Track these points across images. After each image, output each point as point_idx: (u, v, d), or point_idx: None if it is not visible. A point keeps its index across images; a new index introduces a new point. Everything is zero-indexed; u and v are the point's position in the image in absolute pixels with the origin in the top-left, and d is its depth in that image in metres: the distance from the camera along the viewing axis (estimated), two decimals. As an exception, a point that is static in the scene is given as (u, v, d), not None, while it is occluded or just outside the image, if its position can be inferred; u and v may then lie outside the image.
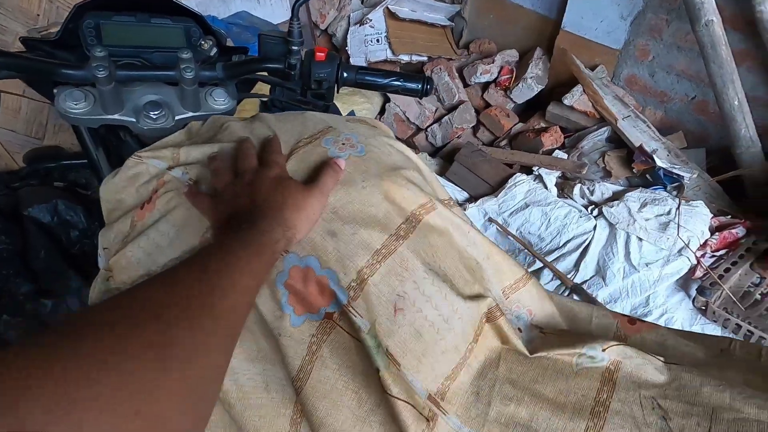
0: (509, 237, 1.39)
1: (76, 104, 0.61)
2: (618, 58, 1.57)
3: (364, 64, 2.11)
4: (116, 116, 0.63)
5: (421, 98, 0.74)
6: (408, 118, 1.87)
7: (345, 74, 0.66)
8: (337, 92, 0.70)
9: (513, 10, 1.90)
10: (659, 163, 1.33)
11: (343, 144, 0.47)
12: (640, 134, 1.44)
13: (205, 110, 0.67)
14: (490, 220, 1.42)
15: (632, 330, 0.53)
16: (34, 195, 1.55)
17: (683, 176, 1.31)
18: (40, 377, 0.19)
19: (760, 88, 1.28)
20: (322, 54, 0.64)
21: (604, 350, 0.48)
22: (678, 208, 1.24)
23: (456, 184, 1.54)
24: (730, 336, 1.13)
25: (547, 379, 0.46)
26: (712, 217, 1.26)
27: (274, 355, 0.41)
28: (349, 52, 2.10)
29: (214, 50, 0.68)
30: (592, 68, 1.63)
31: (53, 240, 1.50)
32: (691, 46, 1.35)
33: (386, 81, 0.67)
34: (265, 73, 0.72)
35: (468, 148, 1.58)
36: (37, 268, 1.46)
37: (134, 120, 0.64)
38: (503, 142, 1.75)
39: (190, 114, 0.67)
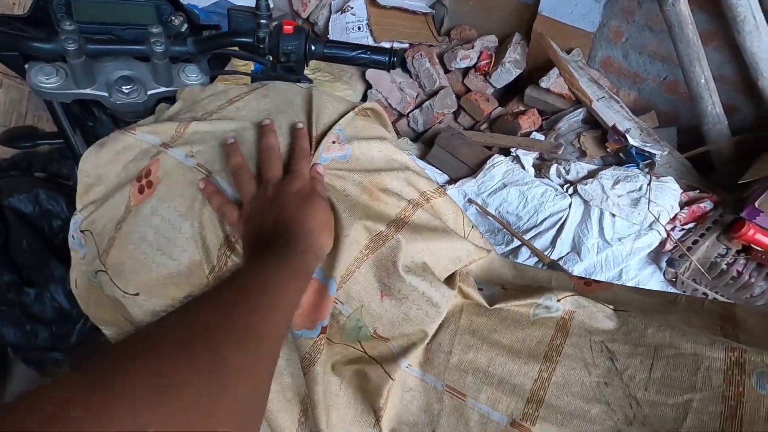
0: (489, 217, 1.43)
1: (47, 79, 0.62)
2: (593, 41, 1.61)
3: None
4: (88, 90, 0.65)
5: (389, 71, 0.76)
6: (390, 104, 1.89)
7: (313, 47, 0.68)
8: (306, 65, 0.72)
9: (493, -4, 1.92)
10: (632, 141, 1.37)
11: (333, 143, 0.46)
12: (614, 115, 1.47)
13: (177, 85, 0.68)
14: (470, 201, 1.45)
15: (588, 290, 0.56)
16: (15, 185, 1.55)
17: (655, 154, 1.35)
18: (90, 408, 0.18)
19: (726, 67, 1.32)
20: (290, 27, 0.66)
21: (558, 300, 0.51)
22: (649, 184, 1.28)
23: (436, 167, 1.57)
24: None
25: (505, 328, 0.49)
26: (682, 192, 1.31)
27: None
28: (330, 39, 2.10)
29: (185, 26, 0.70)
30: (568, 51, 1.67)
31: (35, 230, 1.50)
32: (661, 27, 1.39)
33: (353, 54, 0.69)
34: (237, 48, 0.73)
35: (448, 132, 1.60)
36: (19, 258, 1.46)
37: (106, 94, 0.65)
38: (483, 126, 1.78)
39: (163, 89, 0.68)
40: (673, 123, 1.51)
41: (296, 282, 0.34)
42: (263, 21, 0.65)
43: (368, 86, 1.94)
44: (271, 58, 0.69)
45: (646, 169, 1.35)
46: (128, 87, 0.66)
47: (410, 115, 1.86)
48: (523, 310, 0.50)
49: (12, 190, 1.54)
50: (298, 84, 0.55)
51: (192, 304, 0.28)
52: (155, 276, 0.41)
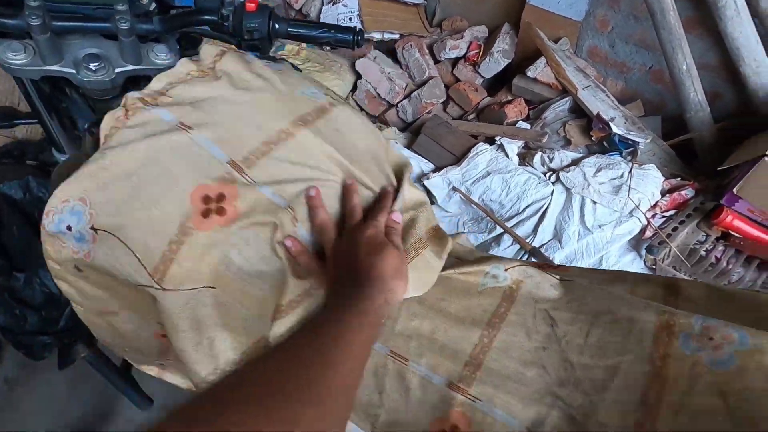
0: (472, 205, 1.43)
1: (15, 55, 0.64)
2: (580, 30, 1.60)
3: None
4: (55, 67, 0.66)
5: (353, 49, 0.77)
6: (379, 95, 1.90)
7: (277, 26, 0.69)
8: (271, 44, 0.73)
9: (482, -14, 1.92)
10: (615, 129, 1.37)
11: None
12: (599, 103, 1.47)
13: (146, 64, 0.70)
14: (454, 189, 1.46)
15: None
16: (5, 172, 1.57)
17: (638, 142, 1.35)
18: None
19: (709, 54, 1.31)
20: (253, 5, 0.67)
21: (506, 270, 0.52)
22: (630, 171, 1.28)
23: (422, 156, 1.57)
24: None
25: (453, 297, 0.50)
26: (664, 180, 1.31)
27: None
28: (321, 31, 2.11)
29: (153, 5, 0.71)
30: (556, 41, 1.67)
31: (25, 216, 1.52)
32: (646, 16, 1.38)
33: (316, 32, 0.70)
34: (207, 28, 0.74)
35: (434, 121, 1.61)
36: (9, 244, 1.48)
37: (74, 71, 0.67)
38: (471, 116, 1.78)
39: (131, 67, 0.69)
40: (658, 112, 1.51)
41: (368, 330, 0.35)
42: (227, -1, 0.66)
43: (358, 76, 1.95)
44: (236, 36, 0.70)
45: (629, 157, 1.36)
46: (95, 64, 0.67)
47: (399, 105, 1.86)
48: (472, 279, 0.51)
49: (2, 177, 1.56)
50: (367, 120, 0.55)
51: (270, 360, 0.30)
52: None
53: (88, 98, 0.77)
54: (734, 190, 1.11)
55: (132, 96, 0.47)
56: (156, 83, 0.49)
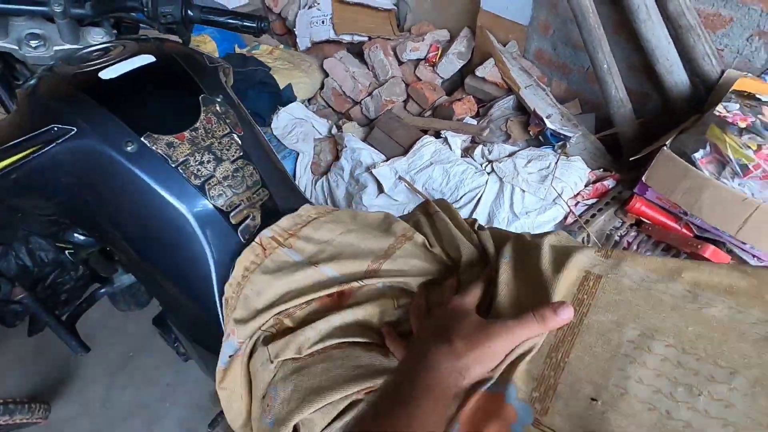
0: (417, 193, 1.53)
1: (-34, 32, 0.76)
2: (527, 34, 1.71)
3: (308, 44, 2.25)
4: (1, 43, 0.78)
5: (257, 35, 0.87)
6: (344, 92, 2.02)
7: (190, 12, 0.81)
8: (187, 29, 0.84)
9: (446, -6, 2.04)
10: (548, 125, 1.46)
11: None
12: (538, 101, 1.57)
13: (83, 44, 0.82)
14: (400, 178, 1.56)
15: None
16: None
17: (569, 136, 1.44)
18: None
19: (635, 55, 1.40)
20: (167, -8, 0.79)
21: None
22: (556, 162, 1.37)
23: (375, 147, 1.68)
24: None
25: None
26: (590, 172, 1.39)
27: None
28: (296, 33, 2.25)
29: (89, -7, 0.83)
30: (506, 44, 1.77)
31: None
32: (581, 20, 1.48)
33: (224, 18, 0.82)
34: (132, 14, 0.86)
35: (386, 116, 1.72)
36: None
37: (16, 47, 0.79)
38: (428, 113, 1.89)
39: (68, 46, 0.81)
40: (595, 110, 1.60)
41: (433, 404, 0.34)
42: (143, -14, 0.78)
43: (326, 75, 2.07)
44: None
45: (559, 150, 1.45)
46: (35, 42, 0.79)
47: (362, 102, 1.98)
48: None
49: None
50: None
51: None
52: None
53: (28, 68, 0.89)
54: (643, 178, 1.20)
55: (266, 236, 0.58)
56: (285, 222, 0.59)
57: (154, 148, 0.57)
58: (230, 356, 0.54)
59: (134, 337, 1.56)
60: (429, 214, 0.61)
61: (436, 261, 0.55)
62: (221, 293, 0.60)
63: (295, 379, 0.46)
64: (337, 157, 1.72)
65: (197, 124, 0.60)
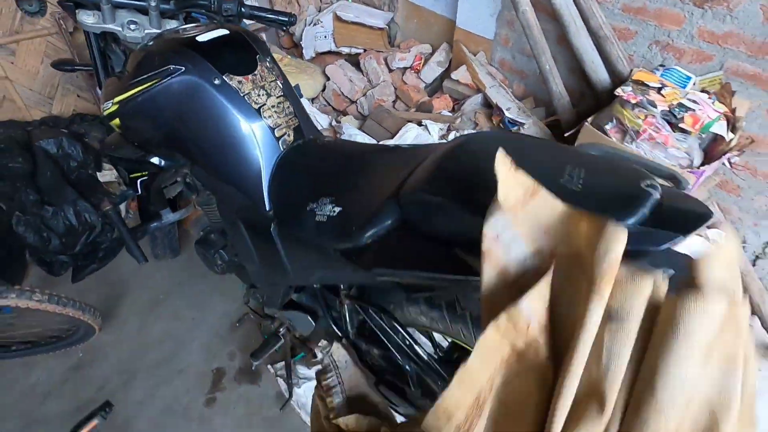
0: (401, 169, 1.88)
1: (87, 17, 1.11)
2: (492, 46, 2.11)
3: (313, 54, 2.64)
4: (110, 26, 1.13)
5: (288, 27, 1.23)
6: (342, 93, 2.39)
7: (242, 9, 1.17)
8: (240, 21, 1.20)
9: (429, 15, 2.46)
10: (507, 114, 1.84)
11: None
12: (501, 98, 1.95)
13: (162, 29, 1.16)
14: (388, 156, 1.91)
15: None
16: (44, 133, 2.03)
17: (523, 122, 1.81)
18: None
19: (574, 61, 1.79)
20: (227, -5, 1.15)
21: None
22: (512, 141, 1.73)
23: (368, 134, 2.03)
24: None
25: None
26: (539, 150, 1.76)
27: None
28: (302, 45, 2.64)
29: (170, -4, 1.19)
30: (476, 54, 2.17)
31: (57, 166, 1.97)
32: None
33: (265, 14, 1.18)
34: (202, 11, 1.22)
35: (378, 110, 2.09)
36: (43, 185, 1.92)
37: (121, 29, 1.14)
38: (413, 110, 2.26)
39: (155, 30, 1.16)
40: (544, 106, 1.99)
41: None
42: (212, -9, 1.14)
43: (327, 79, 2.45)
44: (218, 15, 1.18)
45: (515, 134, 1.81)
46: (133, 27, 1.14)
47: (358, 101, 2.35)
48: None
49: (41, 135, 2.02)
50: None
51: None
52: None
53: (125, 52, 1.24)
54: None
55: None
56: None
57: (230, 83, 0.91)
58: None
59: (163, 284, 1.85)
60: None
61: None
62: (266, 184, 0.92)
63: None
64: (336, 142, 2.07)
65: (256, 72, 0.95)
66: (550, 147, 0.69)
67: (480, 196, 0.60)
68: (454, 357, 1.04)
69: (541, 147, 0.70)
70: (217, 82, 0.90)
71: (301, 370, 1.52)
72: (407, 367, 0.95)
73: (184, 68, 0.90)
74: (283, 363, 1.55)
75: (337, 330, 1.03)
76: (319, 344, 1.59)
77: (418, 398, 1.04)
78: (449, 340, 1.06)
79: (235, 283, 1.82)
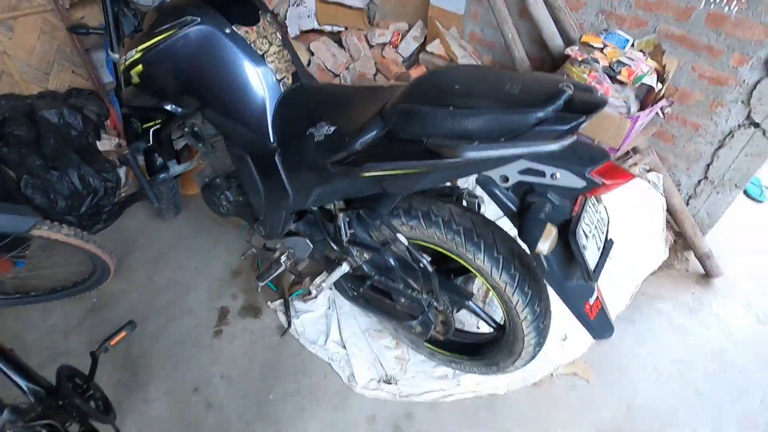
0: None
1: (104, -18, 1.27)
2: (463, 21, 2.31)
3: (297, 32, 2.80)
4: (125, -9, 1.29)
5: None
6: (326, 67, 2.57)
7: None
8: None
9: (405, -5, 2.65)
10: (477, 80, 2.05)
11: None
12: (471, 67, 2.16)
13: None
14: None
15: None
16: (46, 103, 2.15)
17: (490, 88, 2.03)
18: None
19: (533, 31, 2.02)
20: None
21: None
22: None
23: (352, 102, 2.22)
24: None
25: None
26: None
27: None
28: (287, 24, 2.80)
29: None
30: (449, 29, 2.38)
31: (59, 133, 2.09)
32: (498, 9, 2.09)
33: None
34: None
35: (361, 80, 2.27)
36: (47, 152, 2.04)
37: (134, -6, 1.29)
38: (393, 81, 2.45)
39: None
40: (511, 74, 2.21)
41: None
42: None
43: (311, 54, 2.61)
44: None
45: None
46: (147, -8, 1.30)
47: (341, 74, 2.53)
48: None
49: (44, 106, 2.14)
50: None
51: None
52: None
53: (135, 15, 1.39)
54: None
55: None
56: None
57: (239, 32, 1.09)
58: None
59: (167, 240, 2.00)
60: None
61: None
62: (271, 120, 1.11)
63: None
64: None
65: (259, 24, 1.13)
66: (499, 71, 0.91)
67: (441, 101, 0.81)
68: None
69: (492, 70, 0.93)
70: (228, 31, 1.08)
71: (298, 305, 1.71)
72: (391, 261, 1.15)
73: (199, 18, 1.07)
74: (280, 300, 1.74)
75: (332, 243, 1.23)
76: (314, 282, 1.79)
77: (400, 295, 1.23)
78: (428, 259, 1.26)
79: (235, 237, 1.99)
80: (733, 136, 1.65)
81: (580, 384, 1.51)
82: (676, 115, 1.75)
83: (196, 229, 2.03)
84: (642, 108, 1.57)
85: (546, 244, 0.81)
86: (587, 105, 0.77)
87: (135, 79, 1.23)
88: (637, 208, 1.75)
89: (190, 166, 1.64)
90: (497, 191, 0.90)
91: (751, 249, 2.00)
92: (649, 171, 1.81)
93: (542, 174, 0.83)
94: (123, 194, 2.19)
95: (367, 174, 0.91)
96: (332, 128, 1.00)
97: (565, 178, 0.81)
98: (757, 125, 1.58)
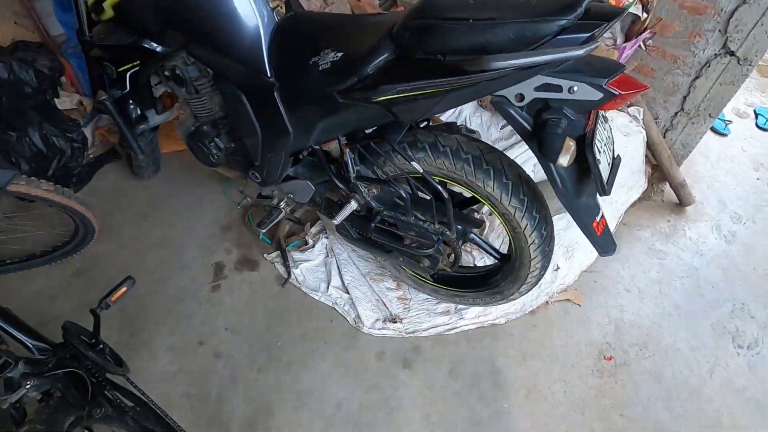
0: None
1: None
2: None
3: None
4: None
5: None
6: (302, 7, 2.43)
7: None
8: None
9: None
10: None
11: None
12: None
13: None
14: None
15: None
16: (-8, 59, 1.93)
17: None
18: None
19: None
20: None
21: None
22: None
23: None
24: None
25: None
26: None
27: None
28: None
29: None
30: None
31: (11, 90, 1.90)
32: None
33: None
34: None
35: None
36: (1, 110, 1.86)
37: None
38: (370, 26, 2.36)
39: None
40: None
41: None
42: None
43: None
44: None
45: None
46: None
47: (316, 19, 2.40)
48: None
49: (-10, 62, 1.93)
50: None
51: None
52: None
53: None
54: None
55: None
56: None
57: None
58: None
59: (149, 199, 1.91)
60: None
61: None
62: (266, 52, 1.04)
63: None
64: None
65: None
66: None
67: (458, 15, 0.79)
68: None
69: None
70: None
71: (295, 255, 1.70)
72: (402, 192, 1.15)
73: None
74: (277, 252, 1.72)
75: (338, 182, 1.20)
76: (311, 230, 1.77)
77: (410, 228, 1.23)
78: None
79: (219, 194, 1.92)
80: (709, 65, 1.71)
81: (572, 308, 1.60)
82: (656, 46, 1.79)
83: (176, 187, 1.94)
84: (627, 39, 1.60)
85: (566, 158, 0.83)
86: (606, 12, 0.77)
87: (108, 13, 1.11)
88: (619, 141, 1.81)
89: (171, 116, 1.54)
90: (512, 111, 0.90)
91: (718, 178, 2.13)
92: (629, 105, 1.87)
93: (559, 89, 0.84)
94: (92, 155, 2.04)
95: (381, 98, 0.89)
96: (339, 54, 0.96)
97: (581, 91, 0.82)
98: (732, 53, 1.64)
